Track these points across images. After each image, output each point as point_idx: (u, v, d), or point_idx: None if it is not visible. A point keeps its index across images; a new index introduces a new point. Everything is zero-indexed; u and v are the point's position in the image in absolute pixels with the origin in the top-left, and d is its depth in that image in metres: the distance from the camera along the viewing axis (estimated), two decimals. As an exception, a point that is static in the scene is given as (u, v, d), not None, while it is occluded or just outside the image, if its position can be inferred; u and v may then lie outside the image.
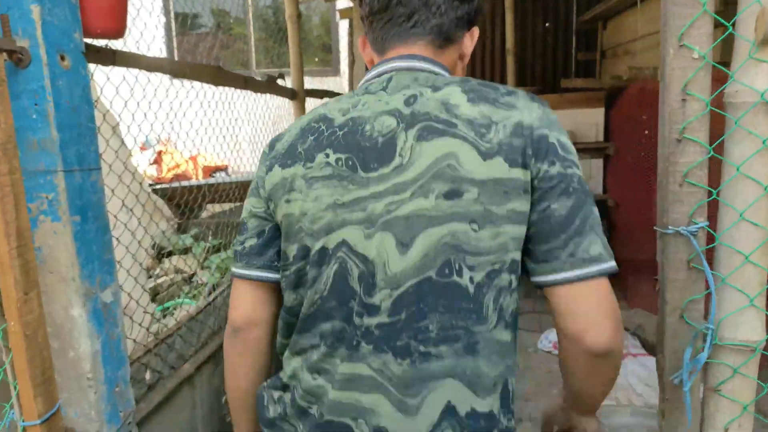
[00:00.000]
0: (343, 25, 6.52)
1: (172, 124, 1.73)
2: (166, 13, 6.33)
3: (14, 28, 0.90)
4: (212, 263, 3.75)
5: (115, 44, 1.31)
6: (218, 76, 1.87)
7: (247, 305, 1.00)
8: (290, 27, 3.01)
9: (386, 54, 0.92)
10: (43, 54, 0.92)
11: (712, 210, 0.92)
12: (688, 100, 0.87)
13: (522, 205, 0.80)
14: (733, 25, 0.85)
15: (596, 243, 0.80)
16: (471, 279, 0.81)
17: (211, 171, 5.60)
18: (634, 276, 3.70)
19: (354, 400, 0.85)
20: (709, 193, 0.91)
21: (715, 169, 0.92)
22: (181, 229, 4.29)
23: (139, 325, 1.29)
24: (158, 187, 4.43)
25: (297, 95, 3.03)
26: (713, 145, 0.89)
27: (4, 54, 0.87)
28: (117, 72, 1.36)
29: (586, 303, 0.79)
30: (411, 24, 0.89)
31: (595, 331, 0.79)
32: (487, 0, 5.07)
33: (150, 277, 3.80)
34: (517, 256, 0.82)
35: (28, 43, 0.90)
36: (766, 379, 0.97)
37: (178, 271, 3.80)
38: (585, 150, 4.07)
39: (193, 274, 3.78)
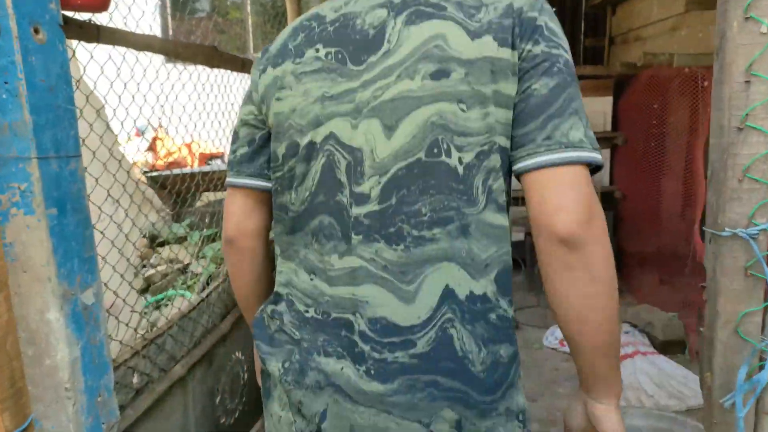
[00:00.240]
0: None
1: (163, 109, 1.62)
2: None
3: (-23, -7, 0.79)
4: (207, 254, 3.65)
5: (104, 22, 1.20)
6: (214, 57, 1.75)
7: (239, 215, 1.01)
8: (289, 7, 2.89)
9: None
10: (14, 25, 0.82)
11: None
12: (752, 81, 0.75)
13: (508, 87, 0.78)
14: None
15: (577, 128, 0.76)
16: (460, 160, 0.79)
17: (206, 158, 5.48)
18: (641, 269, 3.62)
19: (350, 294, 0.84)
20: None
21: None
22: (175, 218, 4.19)
23: (126, 325, 1.19)
24: (152, 174, 4.33)
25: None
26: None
27: (-35, 23, 0.76)
28: (102, 50, 1.23)
29: (559, 188, 0.75)
30: None
31: (563, 213, 0.74)
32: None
33: (145, 266, 3.71)
34: (505, 142, 0.80)
35: (-5, 12, 0.80)
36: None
37: (172, 261, 3.70)
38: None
39: (188, 265, 3.68)
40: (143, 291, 3.42)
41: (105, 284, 1.21)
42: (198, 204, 4.52)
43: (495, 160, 0.80)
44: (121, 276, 1.20)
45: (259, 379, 1.06)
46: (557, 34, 0.80)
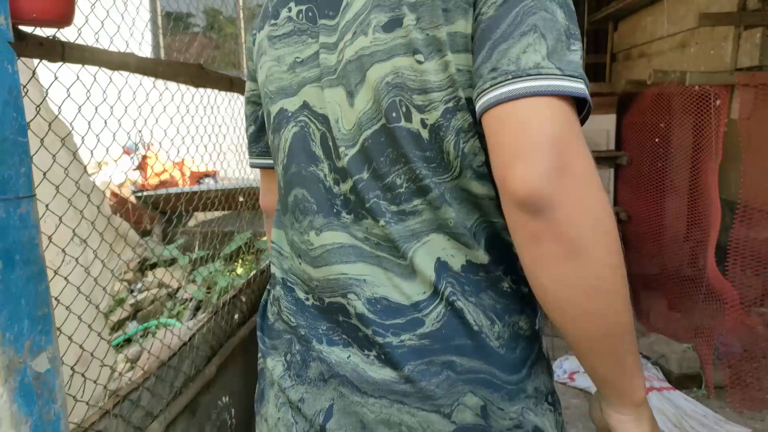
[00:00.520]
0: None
1: (141, 132, 1.48)
2: (153, 9, 6.04)
3: None
4: (197, 278, 3.49)
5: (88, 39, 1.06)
6: (199, 76, 1.62)
7: (264, 192, 1.04)
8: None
9: None
10: (-51, 43, 0.68)
11: None
12: None
13: (465, 26, 0.64)
14: None
15: (534, 50, 0.58)
16: (423, 122, 0.68)
17: (198, 177, 5.34)
18: (648, 293, 3.49)
19: (338, 274, 0.76)
20: None
21: None
22: (167, 240, 4.04)
23: (94, 383, 1.04)
24: (142, 194, 4.19)
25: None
26: None
27: None
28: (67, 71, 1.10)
29: (512, 131, 0.59)
30: None
31: (519, 163, 0.58)
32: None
33: (132, 291, 3.55)
34: (470, 94, 0.66)
35: None
36: None
37: (161, 285, 3.54)
38: (594, 159, 3.82)
39: (177, 290, 3.52)
40: (131, 317, 3.26)
41: (69, 338, 1.07)
42: (190, 224, 4.38)
43: (463, 118, 0.67)
44: (89, 326, 1.04)
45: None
46: None
